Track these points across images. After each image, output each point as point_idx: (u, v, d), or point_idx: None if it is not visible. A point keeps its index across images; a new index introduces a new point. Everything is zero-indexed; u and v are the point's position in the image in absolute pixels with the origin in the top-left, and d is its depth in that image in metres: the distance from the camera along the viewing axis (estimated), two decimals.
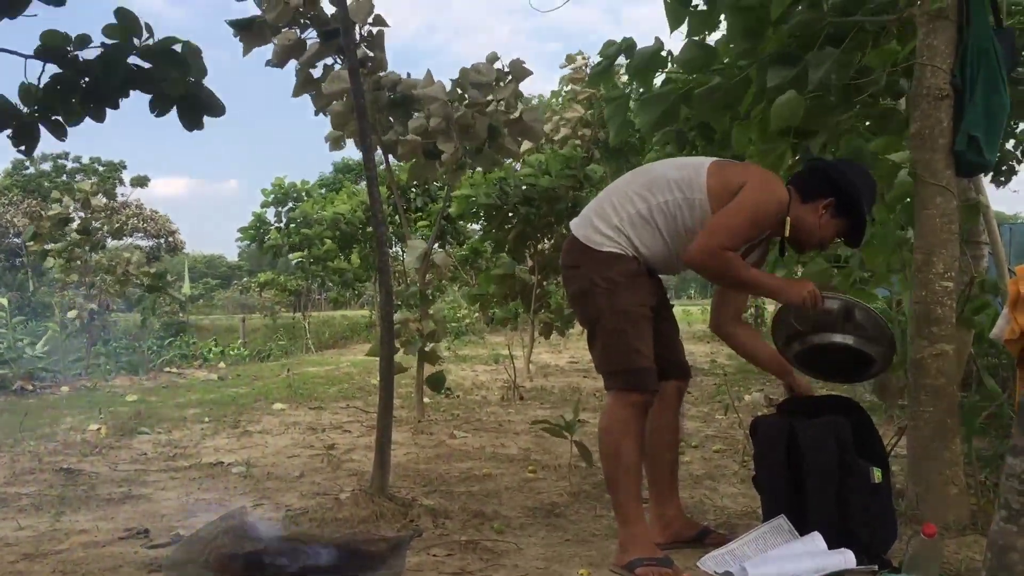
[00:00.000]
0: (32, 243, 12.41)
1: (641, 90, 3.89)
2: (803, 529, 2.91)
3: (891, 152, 3.40)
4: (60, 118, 3.05)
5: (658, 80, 3.97)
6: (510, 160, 8.03)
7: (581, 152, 9.61)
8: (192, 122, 3.10)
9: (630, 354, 2.97)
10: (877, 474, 2.93)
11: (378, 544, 2.45)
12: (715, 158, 3.15)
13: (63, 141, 3.16)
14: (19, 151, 3.19)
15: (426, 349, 6.27)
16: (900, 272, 3.93)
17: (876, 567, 2.77)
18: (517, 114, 5.85)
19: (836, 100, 3.25)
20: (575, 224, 3.16)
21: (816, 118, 3.25)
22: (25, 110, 3.04)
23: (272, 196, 20.25)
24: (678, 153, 4.97)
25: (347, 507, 3.52)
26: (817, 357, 3.17)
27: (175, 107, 3.08)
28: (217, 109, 3.12)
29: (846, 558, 2.74)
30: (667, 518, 3.24)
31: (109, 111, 3.06)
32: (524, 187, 8.99)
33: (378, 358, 3.73)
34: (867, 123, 3.37)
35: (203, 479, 4.56)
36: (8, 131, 3.09)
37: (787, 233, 3.02)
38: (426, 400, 6.85)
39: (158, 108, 3.06)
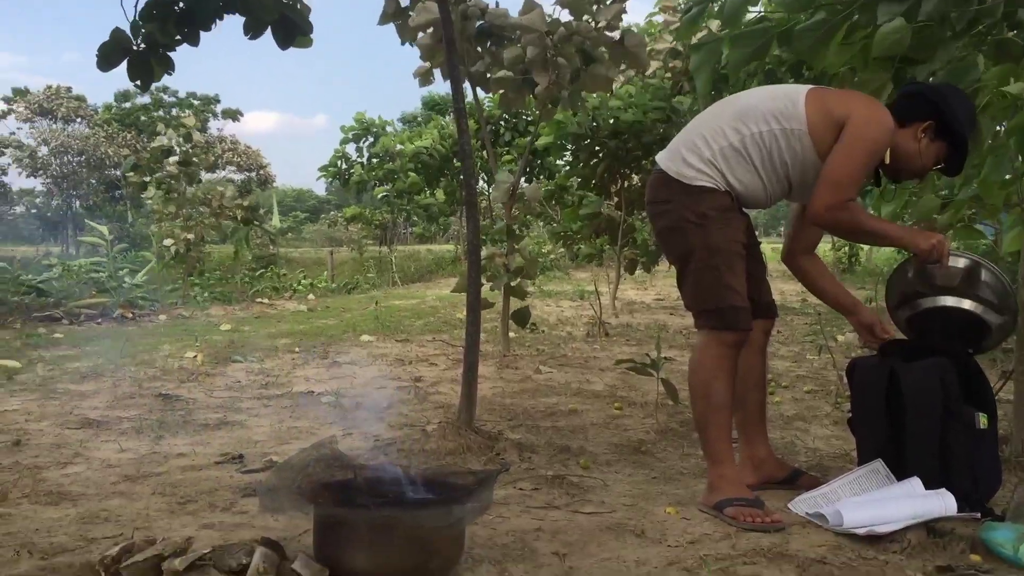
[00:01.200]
0: (132, 174, 12.76)
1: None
2: (901, 475, 2.82)
3: (1007, 83, 3.18)
4: (167, 51, 3.11)
5: (749, 18, 3.76)
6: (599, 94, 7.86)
7: (670, 84, 9.35)
8: (285, 41, 3.12)
9: (723, 292, 2.88)
10: (983, 419, 2.80)
11: (467, 477, 2.45)
12: (811, 85, 2.97)
13: (171, 74, 3.21)
14: (136, 85, 3.27)
15: (512, 284, 6.25)
16: (1016, 207, 3.72)
17: (978, 515, 2.66)
18: (618, 35, 5.59)
19: (948, 31, 3.03)
20: (663, 157, 3.02)
21: (924, 49, 3.04)
22: (137, 43, 3.09)
23: (352, 132, 20.35)
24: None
25: (434, 439, 3.55)
26: (931, 322, 3.01)
27: (268, 29, 3.10)
28: (308, 28, 3.13)
29: (946, 503, 2.63)
30: (757, 459, 3.18)
31: (203, 37, 3.08)
32: (613, 119, 8.80)
33: (464, 293, 3.71)
34: (980, 54, 3.14)
35: (294, 407, 4.66)
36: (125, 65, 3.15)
37: (887, 161, 2.87)
38: (511, 335, 6.86)
39: (252, 31, 3.08)
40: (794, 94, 2.89)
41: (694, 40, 4.65)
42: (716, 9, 3.81)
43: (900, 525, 2.55)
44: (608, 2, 5.52)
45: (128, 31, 3.07)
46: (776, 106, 2.88)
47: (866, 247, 18.41)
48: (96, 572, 2.15)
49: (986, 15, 2.95)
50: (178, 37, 3.16)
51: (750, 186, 2.91)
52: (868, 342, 3.10)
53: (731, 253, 2.89)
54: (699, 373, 2.92)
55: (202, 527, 2.65)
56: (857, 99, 2.89)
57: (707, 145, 2.90)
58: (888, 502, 2.70)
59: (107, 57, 3.07)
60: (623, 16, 5.63)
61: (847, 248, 16.89)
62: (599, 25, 5.52)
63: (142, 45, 3.10)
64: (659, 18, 10.02)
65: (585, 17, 5.53)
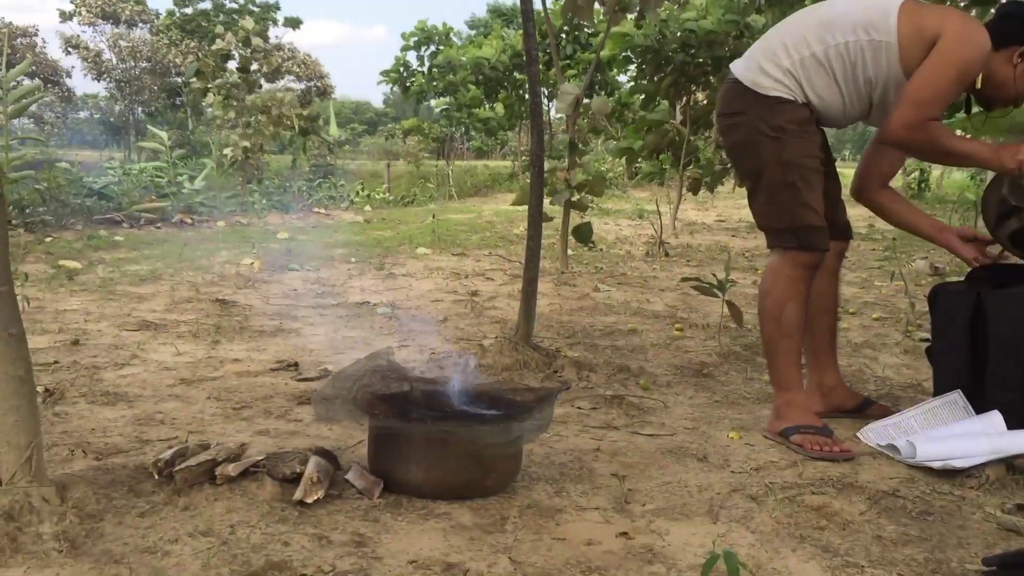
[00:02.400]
0: (195, 80, 12.71)
1: None
2: (980, 408, 2.69)
3: None
4: None
5: None
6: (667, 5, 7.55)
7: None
8: None
9: (800, 209, 2.72)
10: None
11: (525, 394, 2.37)
12: None
13: None
14: None
15: (574, 199, 6.11)
16: None
17: None
18: None
19: None
20: (738, 66, 2.84)
21: None
22: None
23: (414, 39, 20.05)
24: None
25: (491, 354, 3.48)
26: None
27: None
28: None
29: None
30: (826, 387, 3.05)
31: None
32: (682, 32, 8.47)
33: (523, 207, 3.59)
34: None
35: (350, 317, 4.63)
36: None
37: (978, 86, 2.65)
38: (569, 252, 6.74)
39: None
40: (887, 4, 2.66)
41: None
42: None
43: (978, 460, 2.44)
44: None
45: None
46: (867, 16, 2.66)
47: (936, 171, 17.81)
48: (150, 474, 2.13)
49: None
50: None
51: (829, 101, 2.72)
52: (973, 258, 2.87)
53: (809, 169, 2.74)
54: (772, 295, 2.78)
55: (256, 433, 2.63)
56: (953, 15, 2.66)
57: (787, 54, 2.72)
58: (965, 437, 2.58)
59: None
60: None
61: (917, 173, 16.32)
62: None
63: None
64: None
65: None
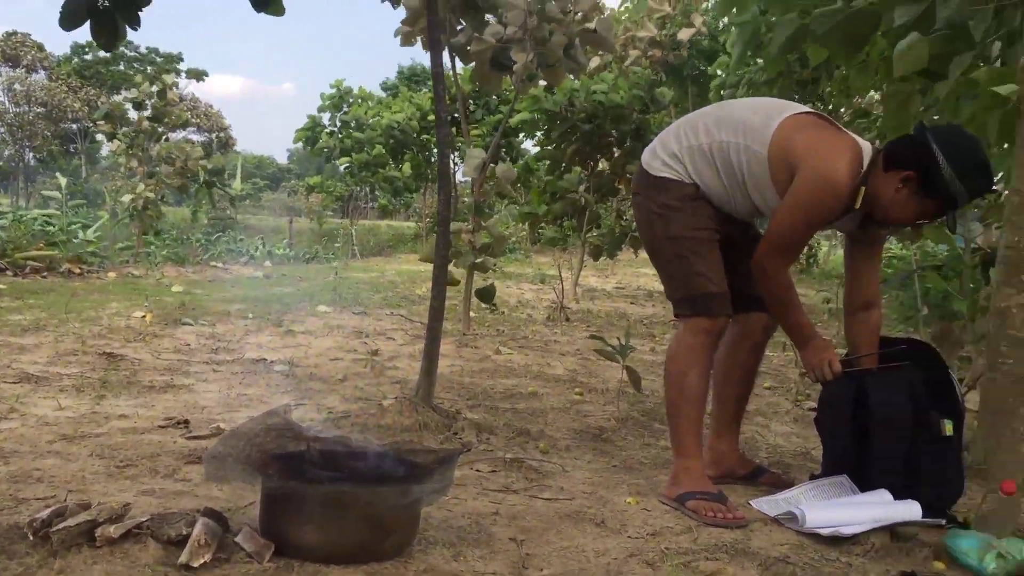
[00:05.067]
0: (103, 121, 12.38)
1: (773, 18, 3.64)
2: (865, 482, 2.76)
3: (999, 83, 3.13)
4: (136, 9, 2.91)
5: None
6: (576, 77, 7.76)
7: (651, 74, 9.28)
8: (260, 2, 2.93)
9: (693, 279, 2.81)
10: (948, 427, 2.76)
11: (425, 455, 2.34)
12: (800, 112, 2.80)
13: (136, 30, 3.02)
14: (99, 45, 3.05)
15: (478, 262, 6.14)
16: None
17: (943, 521, 2.62)
18: (592, 25, 5.60)
19: (967, 41, 2.97)
20: (643, 152, 3.00)
21: (944, 61, 2.98)
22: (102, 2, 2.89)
23: (329, 101, 20.08)
24: (754, 94, 4.67)
25: (391, 414, 3.43)
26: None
27: None
28: None
29: (911, 510, 2.60)
30: (719, 452, 3.11)
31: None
32: (592, 102, 8.70)
33: (426, 267, 3.60)
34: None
35: (245, 374, 4.51)
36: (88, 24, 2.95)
37: (857, 205, 2.66)
38: (471, 314, 6.75)
39: None
40: (775, 113, 2.77)
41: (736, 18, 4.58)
42: None
43: (864, 528, 2.52)
44: None
45: None
46: (751, 120, 2.78)
47: (826, 247, 18.65)
48: (24, 535, 2.01)
49: (1005, 23, 2.88)
50: None
51: (713, 188, 2.84)
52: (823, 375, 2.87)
53: (697, 240, 2.83)
54: (675, 362, 2.85)
55: (141, 493, 2.51)
56: (817, 148, 2.67)
57: (678, 141, 2.87)
58: (852, 505, 2.66)
59: (71, 16, 2.86)
60: (599, 5, 5.66)
61: (806, 249, 16.98)
62: (576, 12, 5.49)
63: (106, 3, 2.91)
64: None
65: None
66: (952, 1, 2.90)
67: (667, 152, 2.87)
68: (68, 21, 2.91)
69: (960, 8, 2.88)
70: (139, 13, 3.00)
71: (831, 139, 2.72)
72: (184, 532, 2.00)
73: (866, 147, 2.74)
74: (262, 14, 3.07)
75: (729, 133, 2.78)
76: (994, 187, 2.78)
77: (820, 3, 3.47)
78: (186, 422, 3.41)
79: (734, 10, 4.00)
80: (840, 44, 3.26)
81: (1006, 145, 3.30)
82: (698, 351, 2.81)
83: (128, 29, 3.02)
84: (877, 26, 3.30)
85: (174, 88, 12.59)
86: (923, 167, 2.59)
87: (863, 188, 2.66)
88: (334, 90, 20.09)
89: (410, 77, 26.53)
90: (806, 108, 2.87)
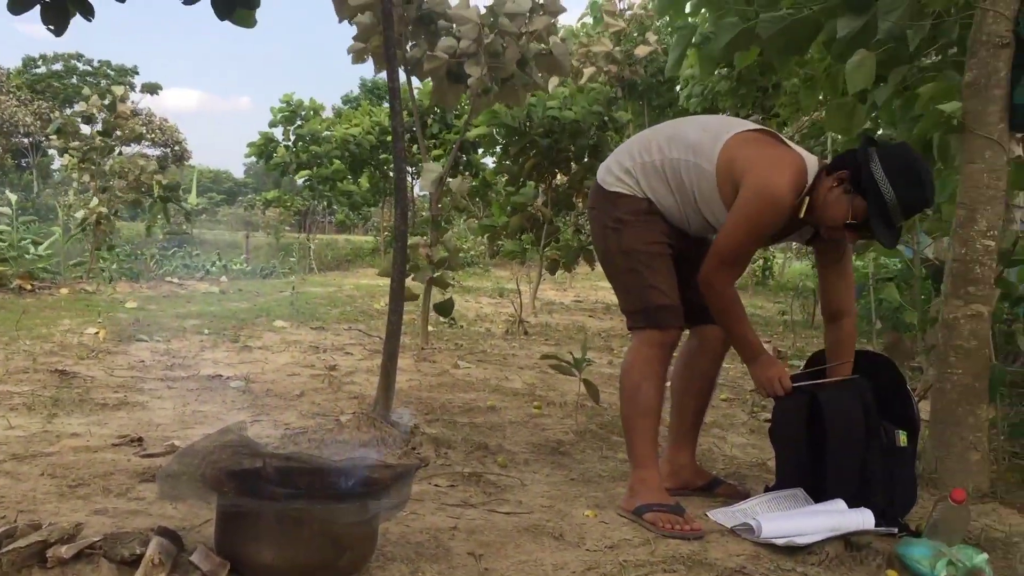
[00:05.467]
0: (56, 137, 12.17)
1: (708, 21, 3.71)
2: (820, 497, 2.80)
3: (943, 100, 3.22)
4: None
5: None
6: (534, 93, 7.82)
7: (609, 91, 9.36)
8: (224, 10, 2.92)
9: (646, 291, 2.85)
10: (902, 438, 2.81)
11: (382, 471, 2.33)
12: (747, 129, 2.84)
13: (90, 20, 2.98)
14: (48, 30, 3.00)
15: (435, 275, 6.14)
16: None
17: (896, 530, 2.67)
18: (547, 49, 5.68)
19: (906, 53, 3.05)
20: (599, 168, 3.05)
21: (884, 67, 3.07)
22: None
23: (281, 115, 19.96)
24: (706, 110, 4.77)
25: (348, 430, 3.42)
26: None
27: None
28: (254, 1, 2.94)
29: (864, 518, 2.63)
30: (677, 464, 3.14)
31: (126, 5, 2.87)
32: (548, 117, 8.76)
33: (384, 281, 3.60)
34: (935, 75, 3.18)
35: (200, 391, 4.46)
36: (38, 8, 2.91)
37: (801, 214, 2.71)
38: (429, 328, 6.74)
39: None
40: (722, 132, 2.81)
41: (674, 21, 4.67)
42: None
43: (819, 537, 2.54)
44: (538, 15, 5.55)
45: None
46: (700, 138, 2.82)
47: (780, 260, 18.91)
48: None
49: (942, 35, 2.96)
50: None
51: (666, 204, 2.87)
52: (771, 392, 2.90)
53: (650, 254, 2.86)
54: (629, 375, 2.87)
55: (93, 513, 2.47)
56: (759, 164, 2.71)
57: (631, 157, 2.91)
58: (807, 514, 2.69)
59: (19, 0, 2.83)
60: (555, 27, 5.74)
61: (761, 261, 17.19)
62: (530, 30, 5.55)
63: None
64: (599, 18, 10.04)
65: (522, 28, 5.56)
66: (892, 13, 2.98)
67: (621, 168, 2.91)
68: (17, 5, 2.88)
69: (900, 20, 2.96)
70: (90, 2, 2.96)
71: (773, 154, 2.75)
72: (138, 552, 1.97)
73: (812, 161, 2.78)
74: (218, 26, 3.07)
75: (680, 151, 2.82)
76: (930, 205, 2.79)
77: (758, 6, 3.54)
78: (140, 440, 3.36)
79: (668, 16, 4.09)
80: (780, 50, 3.33)
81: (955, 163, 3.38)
82: (652, 363, 2.84)
83: (85, 20, 2.99)
84: (816, 34, 3.37)
85: (124, 101, 12.40)
86: (856, 165, 2.65)
87: (807, 198, 2.71)
88: (284, 104, 19.97)
89: (372, 90, 26.47)
90: (755, 125, 2.93)
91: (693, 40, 3.84)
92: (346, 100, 27.97)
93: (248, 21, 3.15)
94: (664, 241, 2.89)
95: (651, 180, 2.86)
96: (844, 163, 2.71)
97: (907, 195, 2.60)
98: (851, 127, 3.61)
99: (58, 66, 36.28)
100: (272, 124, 20.11)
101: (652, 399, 2.84)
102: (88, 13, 2.91)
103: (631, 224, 2.86)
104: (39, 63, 36.56)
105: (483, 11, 5.51)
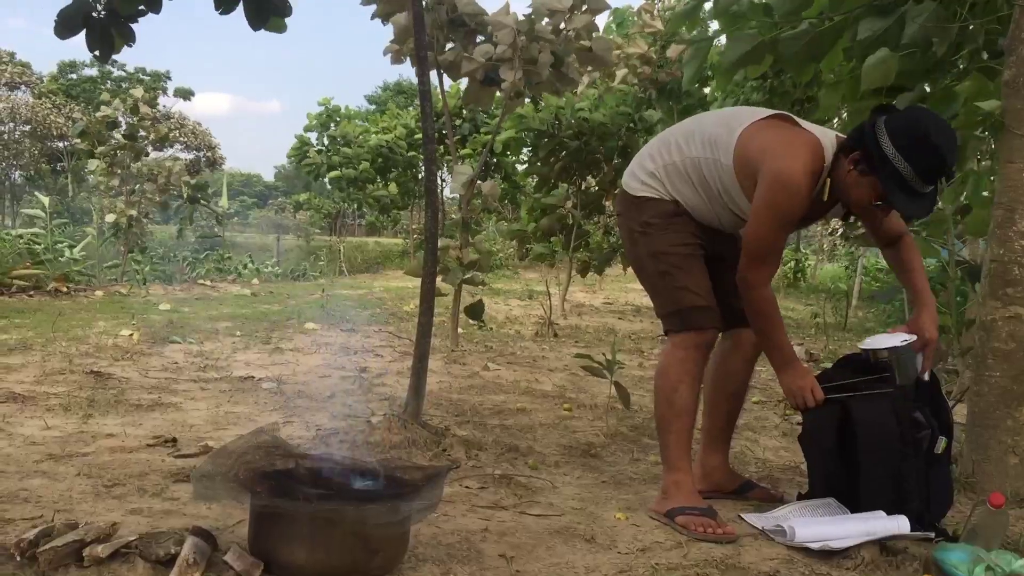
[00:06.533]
0: (80, 140, 12.32)
1: (724, 35, 3.68)
2: (854, 503, 2.76)
3: (982, 98, 3.17)
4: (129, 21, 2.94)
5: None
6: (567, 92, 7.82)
7: (638, 91, 9.32)
8: (258, 20, 2.95)
9: (678, 293, 2.83)
10: (942, 444, 2.77)
11: (414, 472, 2.34)
12: (763, 116, 2.82)
13: (131, 46, 3.04)
14: (94, 56, 3.08)
15: (466, 277, 6.15)
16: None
17: (932, 535, 2.63)
18: (588, 44, 5.68)
19: (931, 58, 3.01)
20: (624, 174, 3.05)
21: (909, 77, 3.03)
22: (98, 11, 2.91)
23: (317, 120, 20.11)
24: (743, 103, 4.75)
25: (379, 431, 3.42)
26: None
27: (240, 5, 2.94)
28: (286, 9, 2.98)
29: (900, 524, 2.60)
30: (709, 467, 3.12)
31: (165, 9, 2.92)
32: (577, 119, 8.74)
33: (414, 283, 3.61)
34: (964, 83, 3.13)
35: (233, 392, 4.49)
36: (84, 34, 2.98)
37: (825, 197, 2.69)
38: (459, 331, 6.75)
39: (223, 6, 2.91)
40: (735, 126, 2.78)
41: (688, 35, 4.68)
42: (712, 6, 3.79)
43: (854, 542, 2.51)
44: (582, 9, 5.56)
45: None
46: (716, 133, 2.80)
47: (813, 262, 18.75)
48: (11, 556, 2.00)
49: (969, 41, 2.92)
50: (141, 7, 2.99)
51: (693, 202, 2.86)
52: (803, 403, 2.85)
53: (681, 255, 2.84)
54: (664, 376, 2.85)
55: (129, 512, 2.50)
56: (773, 150, 2.68)
57: (653, 160, 2.90)
58: (842, 520, 2.67)
59: (66, 23, 2.89)
60: (595, 25, 5.75)
61: (793, 263, 17.05)
62: (569, 31, 5.56)
63: (103, 13, 2.92)
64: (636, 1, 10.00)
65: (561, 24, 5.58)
66: (918, 18, 2.94)
67: (645, 172, 2.90)
68: (64, 29, 2.94)
69: (925, 27, 2.92)
70: (132, 27, 3.02)
71: (787, 138, 2.72)
72: (172, 551, 1.99)
73: (829, 138, 2.74)
74: (249, 32, 3.12)
75: (699, 148, 2.80)
76: (950, 170, 2.72)
77: (779, 18, 3.51)
78: (174, 440, 3.39)
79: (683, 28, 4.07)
80: (799, 59, 3.31)
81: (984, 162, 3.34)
82: (687, 365, 2.82)
83: (123, 45, 3.05)
84: (836, 41, 3.34)
85: (147, 104, 12.51)
86: (866, 144, 2.60)
87: (828, 179, 2.68)
88: (322, 108, 20.12)
89: (396, 92, 26.64)
90: (769, 111, 2.88)
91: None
92: (371, 100, 28.14)
93: (279, 26, 3.19)
94: (694, 242, 2.87)
95: (675, 181, 2.84)
96: (853, 138, 2.67)
97: (922, 162, 2.55)
98: None
99: (92, 71, 36.76)
100: (307, 128, 20.28)
101: (687, 402, 2.82)
102: (129, 39, 2.97)
103: (659, 227, 2.85)
104: (74, 68, 37.06)
105: (521, 17, 5.54)
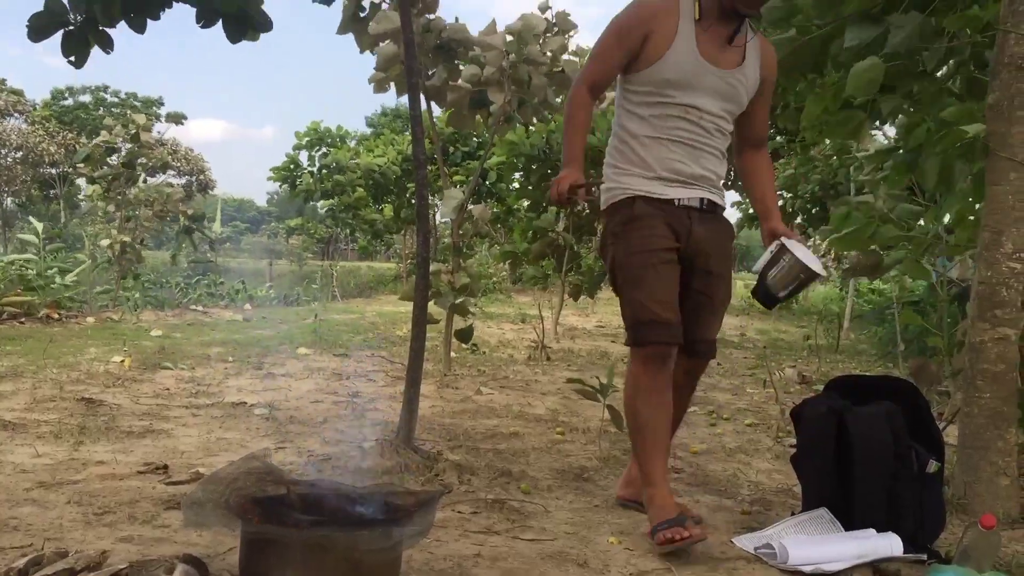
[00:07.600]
0: (83, 164, 12.30)
1: None
2: (847, 520, 2.77)
3: (966, 122, 3.20)
4: (107, 29, 2.94)
5: None
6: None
7: None
8: (236, 35, 2.97)
9: (632, 305, 2.84)
10: (934, 466, 2.78)
11: (406, 497, 2.33)
12: None
13: (109, 53, 3.04)
14: (69, 62, 3.07)
15: (457, 302, 6.15)
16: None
17: (924, 556, 2.63)
18: (560, 68, 5.72)
19: (916, 67, 3.05)
20: None
21: (896, 79, 3.06)
22: (74, 17, 2.92)
23: (306, 139, 20.15)
24: None
25: (371, 456, 3.42)
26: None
27: (221, 22, 2.97)
28: (267, 25, 3.00)
29: (892, 544, 2.61)
30: (633, 475, 3.12)
31: (150, 27, 2.93)
32: None
33: (407, 307, 3.61)
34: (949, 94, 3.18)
35: (225, 418, 4.48)
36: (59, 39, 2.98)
37: (697, 16, 2.72)
38: (452, 355, 6.74)
39: (204, 20, 2.94)
40: None
41: None
42: None
43: (846, 564, 2.53)
44: (553, 32, 5.61)
45: (67, 2, 2.90)
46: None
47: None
48: None
49: (955, 53, 2.96)
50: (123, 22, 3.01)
51: (635, 161, 2.85)
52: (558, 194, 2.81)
53: (638, 266, 2.81)
54: (626, 392, 2.90)
55: (119, 540, 2.49)
56: None
57: (606, 164, 2.96)
58: (835, 541, 2.67)
59: (38, 28, 2.89)
60: (567, 46, 5.79)
61: None
62: (546, 52, 5.61)
63: (79, 18, 2.92)
64: None
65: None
66: (904, 29, 2.98)
67: (606, 179, 2.94)
68: (36, 33, 2.94)
69: (911, 38, 2.95)
70: (109, 34, 3.02)
71: None
72: None
73: None
74: (242, 57, 3.15)
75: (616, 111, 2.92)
76: None
77: (767, 26, 3.54)
78: (165, 467, 3.38)
79: None
80: (787, 70, 3.35)
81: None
82: (640, 378, 2.81)
83: (104, 52, 3.05)
84: (824, 52, 3.38)
85: (148, 130, 12.52)
86: None
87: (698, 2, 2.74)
88: (311, 130, 20.18)
89: (394, 117, 26.75)
90: None
91: None
92: (370, 124, 28.26)
93: (253, 36, 3.20)
94: (659, 246, 2.79)
95: (613, 155, 2.91)
96: None
97: None
98: (854, 139, 3.64)
99: (85, 98, 36.85)
100: (296, 148, 20.30)
101: (645, 415, 2.82)
102: (107, 45, 2.97)
103: (621, 236, 2.85)
104: (67, 95, 37.16)
105: (509, 39, 5.55)
